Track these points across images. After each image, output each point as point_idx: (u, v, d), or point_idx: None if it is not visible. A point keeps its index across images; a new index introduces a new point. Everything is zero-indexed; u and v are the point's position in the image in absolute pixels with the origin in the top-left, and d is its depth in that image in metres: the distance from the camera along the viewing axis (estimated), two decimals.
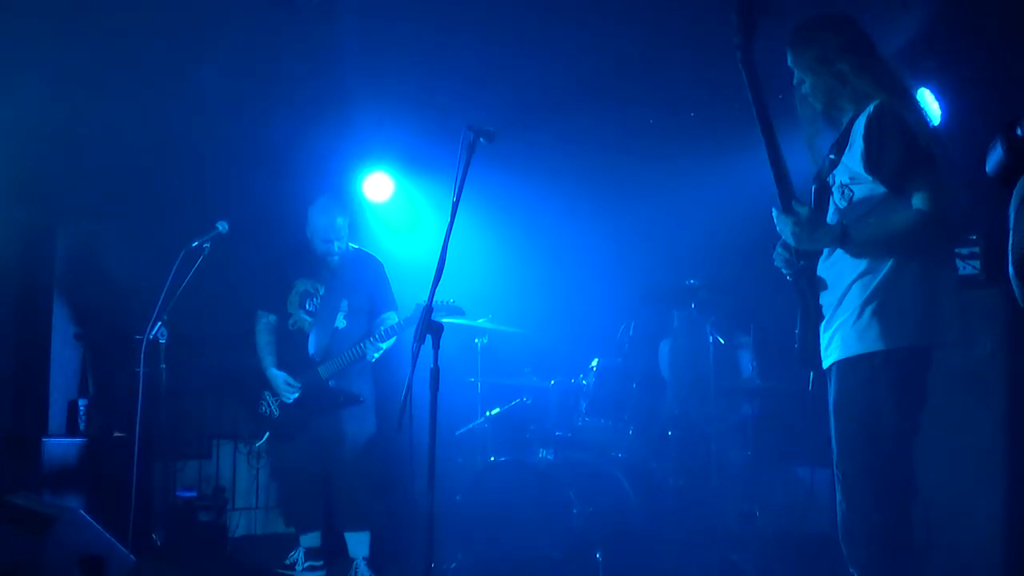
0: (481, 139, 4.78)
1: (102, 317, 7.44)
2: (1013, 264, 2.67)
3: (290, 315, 7.05)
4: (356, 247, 7.29)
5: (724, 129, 7.62)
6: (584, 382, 7.12)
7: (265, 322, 7.16)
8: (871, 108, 3.87)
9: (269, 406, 6.99)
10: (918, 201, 3.78)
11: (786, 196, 3.97)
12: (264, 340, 7.12)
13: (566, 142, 8.45)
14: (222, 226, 6.62)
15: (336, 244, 7.02)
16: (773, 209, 4.00)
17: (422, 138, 8.25)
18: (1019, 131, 2.58)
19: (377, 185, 8.66)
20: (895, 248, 3.85)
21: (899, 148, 3.78)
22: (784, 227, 3.95)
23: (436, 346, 4.57)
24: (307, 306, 7.03)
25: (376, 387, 7.21)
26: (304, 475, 7.04)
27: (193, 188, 7.87)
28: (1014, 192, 2.65)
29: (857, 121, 3.94)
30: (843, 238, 3.88)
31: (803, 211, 3.93)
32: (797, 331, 4.15)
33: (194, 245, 6.50)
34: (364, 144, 8.56)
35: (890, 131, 3.80)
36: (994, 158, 2.68)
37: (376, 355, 6.84)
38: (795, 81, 4.20)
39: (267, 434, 7.04)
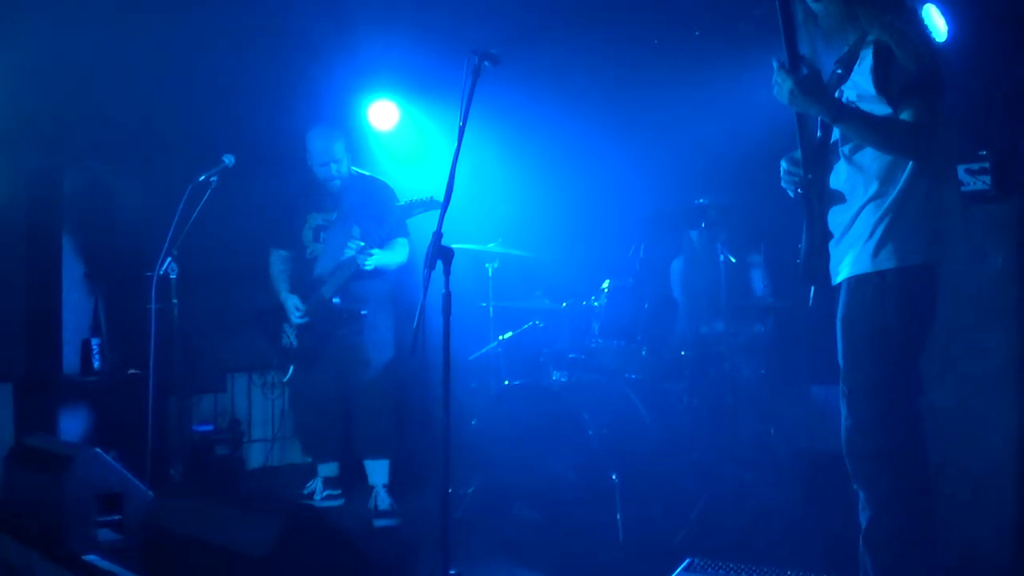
0: (486, 62, 4.78)
1: (112, 256, 7.46)
2: None
3: (306, 247, 7.07)
4: (361, 172, 7.26)
5: (730, 48, 7.61)
6: (596, 304, 7.13)
7: (277, 256, 7.21)
8: (884, 28, 3.88)
9: (289, 338, 7.06)
10: (905, 116, 3.82)
11: (792, 53, 3.94)
12: (277, 270, 7.17)
13: (573, 63, 8.41)
14: (228, 159, 6.66)
15: (334, 167, 7.01)
16: (774, 60, 3.93)
17: (426, 63, 8.23)
18: None
19: (382, 113, 8.66)
20: (876, 145, 3.89)
21: (909, 69, 3.80)
22: (784, 83, 3.87)
23: (447, 271, 4.61)
24: (321, 238, 7.05)
25: (396, 318, 7.25)
26: (323, 404, 7.08)
27: (198, 124, 7.86)
28: None
29: (867, 39, 3.95)
30: (837, 110, 3.87)
31: (805, 71, 3.93)
32: (802, 247, 4.19)
33: (201, 180, 6.55)
34: (368, 72, 8.54)
35: (904, 51, 3.82)
36: None
37: (368, 261, 6.76)
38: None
39: (292, 368, 7.13)
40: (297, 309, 6.95)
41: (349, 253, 6.91)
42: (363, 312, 6.90)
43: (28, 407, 7.39)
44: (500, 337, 7.59)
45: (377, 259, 6.81)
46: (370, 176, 7.28)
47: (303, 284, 7.04)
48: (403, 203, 6.66)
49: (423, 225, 6.72)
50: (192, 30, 7.36)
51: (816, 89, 3.88)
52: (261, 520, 3.87)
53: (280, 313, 7.08)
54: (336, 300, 6.89)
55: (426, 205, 6.61)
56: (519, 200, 8.41)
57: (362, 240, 6.90)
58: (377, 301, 7.06)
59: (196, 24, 7.33)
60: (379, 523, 6.76)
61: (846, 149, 4.05)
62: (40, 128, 7.53)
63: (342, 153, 7.07)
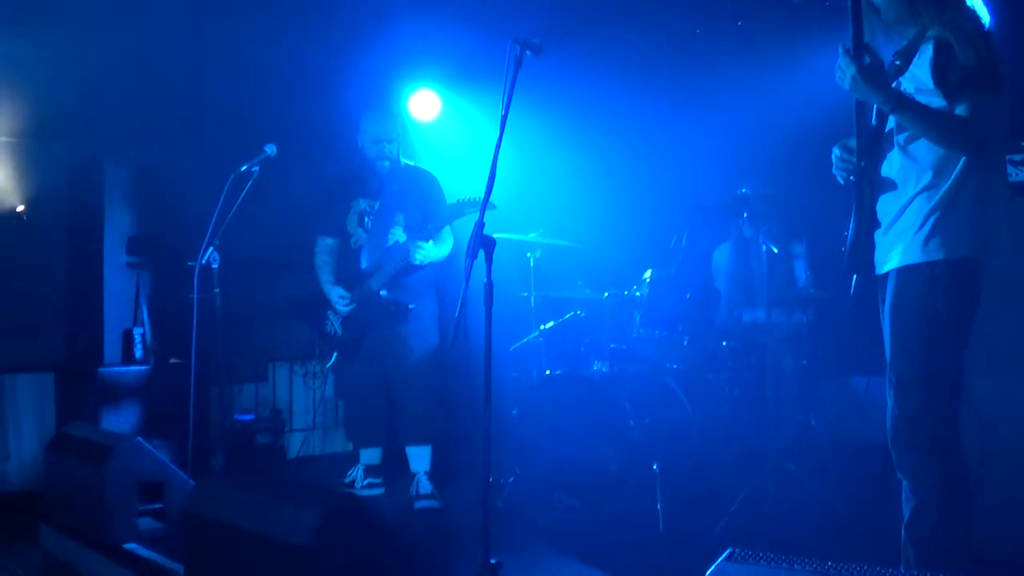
0: (528, 52, 4.78)
1: (153, 245, 7.51)
2: None
3: (351, 235, 7.05)
4: (408, 162, 7.24)
5: (773, 37, 7.59)
6: (638, 294, 7.12)
7: (323, 244, 7.18)
8: (945, 24, 3.90)
9: (333, 325, 7.07)
10: (961, 111, 3.82)
11: (858, 41, 3.95)
12: (322, 260, 7.16)
13: (616, 53, 8.40)
14: (270, 149, 6.65)
15: (387, 147, 6.97)
16: (840, 46, 3.96)
17: (468, 52, 8.22)
18: None
19: (424, 103, 8.66)
20: (931, 137, 3.90)
21: (967, 65, 3.82)
22: (847, 69, 3.92)
23: (489, 260, 4.62)
24: (366, 223, 7.03)
25: (440, 306, 7.25)
26: (368, 391, 7.08)
27: (238, 114, 7.89)
28: None
29: (928, 34, 3.97)
30: (897, 100, 3.89)
31: (868, 60, 3.94)
32: (848, 234, 4.19)
33: (243, 169, 6.54)
34: (408, 62, 8.55)
35: (963, 48, 3.83)
36: None
37: (421, 256, 6.74)
38: None
39: (335, 355, 7.16)
40: (342, 298, 6.96)
41: (393, 240, 6.92)
42: (411, 306, 6.91)
43: (69, 396, 7.45)
44: (541, 327, 7.57)
45: (426, 253, 6.78)
46: (416, 166, 7.27)
47: (348, 274, 7.04)
48: (453, 202, 6.63)
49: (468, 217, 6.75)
50: (234, 20, 7.39)
51: (878, 78, 3.91)
52: (302, 508, 3.89)
53: (324, 301, 7.09)
54: (384, 293, 6.89)
55: (476, 205, 6.49)
56: (561, 190, 8.40)
57: (405, 228, 6.92)
58: (422, 290, 7.05)
59: (238, 14, 7.36)
60: (420, 504, 6.79)
61: (901, 139, 4.06)
62: (82, 117, 7.58)
63: (396, 134, 7.05)
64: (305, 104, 8.18)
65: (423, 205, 7.01)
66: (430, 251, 6.81)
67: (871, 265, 4.17)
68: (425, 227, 6.80)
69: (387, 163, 7.03)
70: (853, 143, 4.14)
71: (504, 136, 4.69)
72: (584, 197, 8.34)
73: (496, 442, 4.56)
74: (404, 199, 7.03)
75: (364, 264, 6.96)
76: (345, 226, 7.09)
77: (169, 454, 5.40)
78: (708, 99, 8.16)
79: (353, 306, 6.95)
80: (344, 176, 7.25)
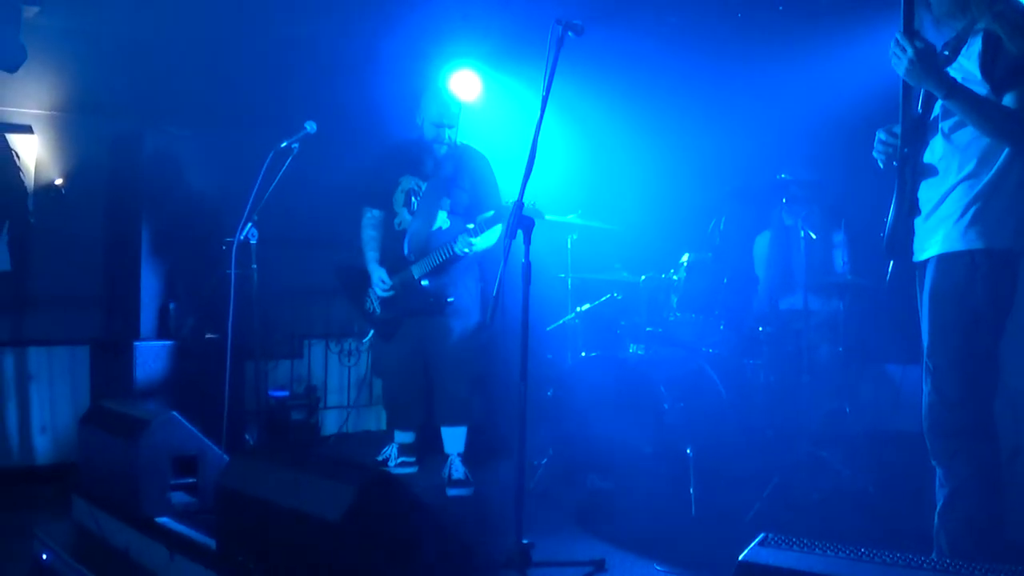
0: (570, 32, 4.78)
1: (191, 221, 7.50)
2: None
3: (396, 214, 7.01)
4: (463, 143, 7.18)
5: (814, 23, 7.56)
6: (675, 277, 7.12)
7: (370, 216, 7.14)
8: (995, 17, 3.89)
9: (372, 304, 7.08)
10: (1008, 101, 3.82)
11: (910, 27, 3.94)
12: (368, 235, 7.12)
13: (656, 35, 8.39)
14: (310, 126, 6.65)
15: (447, 132, 6.94)
16: (896, 33, 3.93)
17: (509, 31, 8.21)
18: None
19: (464, 82, 8.64)
20: (979, 125, 3.88)
21: (1016, 56, 3.82)
22: (904, 55, 3.90)
23: (527, 241, 4.64)
24: (412, 204, 6.98)
25: (482, 283, 7.25)
26: (407, 373, 7.08)
27: (276, 90, 7.93)
28: None
29: (976, 27, 3.96)
30: (950, 86, 3.87)
31: (921, 46, 3.93)
32: (887, 220, 4.18)
33: (283, 146, 6.56)
34: (449, 40, 8.54)
35: (1012, 40, 3.82)
36: None
37: (467, 250, 6.68)
38: None
39: (371, 332, 7.19)
40: (383, 282, 6.95)
41: (437, 225, 6.92)
42: (450, 300, 6.87)
43: (105, 369, 7.52)
44: (578, 309, 7.57)
45: (475, 248, 6.76)
46: (470, 147, 7.19)
47: (390, 256, 7.01)
48: (508, 203, 6.57)
49: (505, 194, 6.75)
50: None
51: (933, 63, 3.89)
52: (335, 485, 3.90)
53: (366, 276, 7.07)
54: (425, 283, 6.87)
55: (534, 212, 6.25)
56: (600, 172, 8.40)
57: (450, 213, 6.92)
58: (463, 273, 7.03)
59: None
60: (452, 492, 6.79)
61: (945, 126, 4.04)
62: (122, 92, 7.64)
63: (457, 120, 7.02)
64: (344, 81, 8.20)
65: (472, 188, 7.00)
66: (477, 244, 6.77)
67: (909, 252, 4.18)
68: (473, 217, 6.80)
69: (444, 148, 7.01)
70: (898, 129, 4.14)
71: (544, 119, 4.70)
72: (623, 180, 8.34)
73: (530, 423, 4.57)
74: (453, 183, 6.99)
75: (406, 249, 6.91)
76: (391, 202, 7.06)
77: (203, 429, 5.40)
78: (748, 83, 8.13)
79: (392, 293, 6.96)
80: (396, 149, 7.20)
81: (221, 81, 7.77)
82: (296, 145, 6.58)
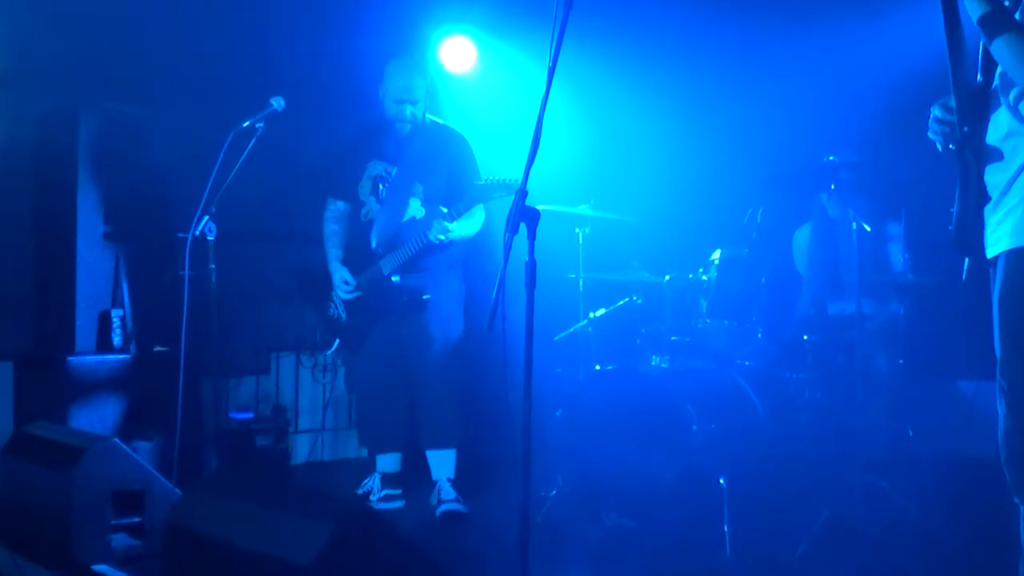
0: None
1: (137, 213, 7.45)
2: None
3: (362, 203, 7.05)
4: (435, 120, 7.19)
5: None
6: (704, 277, 7.13)
7: (333, 209, 7.20)
8: None
9: (337, 308, 7.08)
10: None
11: None
12: (331, 230, 7.18)
13: (683, 6, 8.35)
14: (277, 103, 6.61)
15: (409, 108, 6.93)
16: None
17: None
18: None
19: (457, 52, 8.65)
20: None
21: None
22: None
23: (532, 236, 4.57)
24: (380, 192, 7.01)
25: (466, 285, 7.26)
26: (384, 389, 7.09)
27: (239, 61, 7.88)
28: None
29: None
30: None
31: None
32: (954, 211, 4.09)
33: (245, 125, 6.52)
34: (441, 3, 8.52)
35: None
36: None
37: (443, 237, 6.66)
38: None
39: (336, 341, 7.15)
40: (346, 283, 6.97)
41: (409, 215, 6.91)
42: (425, 296, 6.87)
43: (32, 389, 7.40)
44: (591, 314, 7.58)
45: (450, 232, 6.72)
46: (444, 125, 7.21)
47: (356, 251, 7.05)
48: (483, 182, 6.53)
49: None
50: None
51: None
52: (307, 522, 3.88)
53: (328, 277, 7.10)
54: (396, 279, 6.87)
55: (509, 189, 6.25)
56: (616, 156, 8.37)
57: (423, 201, 6.92)
58: (443, 271, 7.05)
59: None
60: (443, 508, 6.84)
61: (1011, 96, 3.91)
62: (52, 63, 7.51)
63: (422, 94, 7.01)
64: (319, 52, 8.18)
65: (448, 173, 7.02)
66: (455, 230, 6.74)
67: (983, 246, 4.06)
68: (450, 203, 6.75)
69: (408, 126, 7.01)
70: (954, 103, 4.04)
71: (551, 93, 4.65)
72: (641, 164, 8.32)
73: (536, 447, 4.53)
74: (425, 165, 7.01)
75: (374, 242, 6.95)
76: (356, 191, 7.09)
77: (152, 458, 5.39)
78: (787, 53, 8.09)
79: (358, 294, 6.96)
80: (361, 132, 7.24)
81: (172, 48, 7.70)
82: (261, 125, 6.54)
